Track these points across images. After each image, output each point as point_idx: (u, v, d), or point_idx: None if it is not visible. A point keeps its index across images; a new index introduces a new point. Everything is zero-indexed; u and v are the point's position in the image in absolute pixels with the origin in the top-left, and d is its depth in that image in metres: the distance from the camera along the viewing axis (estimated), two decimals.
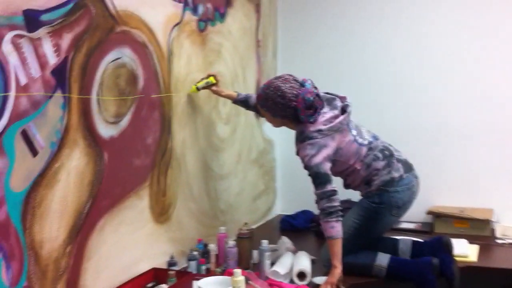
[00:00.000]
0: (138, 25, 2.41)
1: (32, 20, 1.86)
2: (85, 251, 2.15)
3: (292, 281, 2.56)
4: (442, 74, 3.59)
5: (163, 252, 2.61)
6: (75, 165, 2.08)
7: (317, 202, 2.54)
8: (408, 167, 2.72)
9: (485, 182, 3.52)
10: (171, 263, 2.55)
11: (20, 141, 1.84)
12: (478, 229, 3.30)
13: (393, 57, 3.70)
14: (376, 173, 2.62)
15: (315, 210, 3.44)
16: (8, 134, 1.78)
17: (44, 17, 1.92)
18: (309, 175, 2.54)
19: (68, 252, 2.06)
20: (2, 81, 1.75)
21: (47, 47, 1.93)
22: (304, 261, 2.66)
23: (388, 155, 2.67)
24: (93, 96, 2.17)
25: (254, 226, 3.57)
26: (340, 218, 2.50)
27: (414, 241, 2.81)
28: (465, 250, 2.92)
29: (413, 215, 3.45)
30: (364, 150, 2.63)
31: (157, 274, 2.47)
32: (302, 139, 2.54)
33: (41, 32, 1.90)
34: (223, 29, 3.16)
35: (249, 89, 3.51)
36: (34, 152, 1.89)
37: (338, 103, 2.64)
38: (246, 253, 2.78)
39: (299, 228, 3.49)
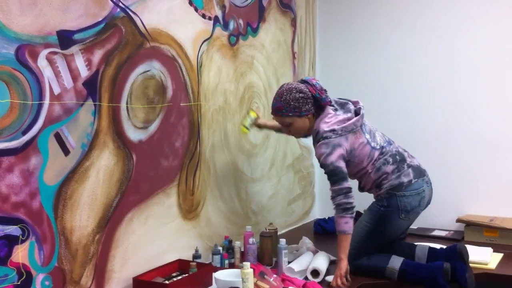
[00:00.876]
0: (167, 41, 2.70)
1: (65, 39, 2.18)
2: (113, 240, 2.45)
3: (306, 278, 2.73)
4: (476, 84, 3.63)
5: (190, 245, 2.87)
6: (104, 164, 2.39)
7: (333, 197, 2.69)
8: (419, 173, 2.81)
9: None
10: (196, 256, 2.81)
11: (54, 142, 2.16)
12: (507, 238, 3.31)
13: (427, 67, 3.78)
14: (385, 177, 2.75)
15: None
16: (42, 136, 2.11)
17: (77, 36, 2.24)
18: (325, 173, 2.71)
19: (97, 239, 2.37)
20: (37, 92, 2.08)
21: (79, 62, 2.25)
22: (320, 260, 2.83)
23: (399, 160, 2.79)
24: (123, 104, 2.47)
25: (289, 229, 3.77)
26: (354, 215, 2.67)
27: (430, 247, 2.89)
28: (485, 258, 2.96)
29: (445, 223, 3.55)
30: (376, 153, 2.77)
31: (181, 265, 2.73)
32: (317, 140, 2.73)
33: (74, 49, 2.23)
34: (255, 42, 3.40)
35: None
36: (66, 151, 2.21)
37: (351, 107, 2.81)
38: (268, 250, 2.98)
39: (331, 232, 3.63)
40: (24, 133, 2.04)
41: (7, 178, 1.98)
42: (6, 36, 1.95)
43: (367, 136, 2.78)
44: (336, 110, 2.80)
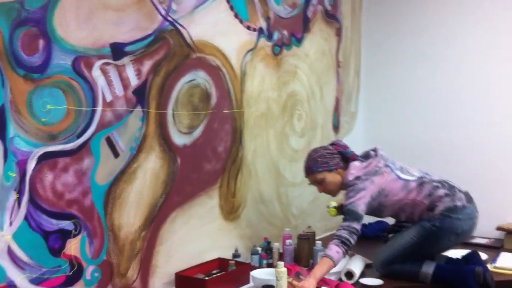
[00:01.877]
0: (212, 51, 2.87)
1: (117, 51, 2.38)
2: (157, 237, 2.63)
3: (341, 280, 2.83)
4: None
5: (231, 245, 3.02)
6: (151, 166, 2.58)
7: (338, 230, 2.75)
8: (469, 198, 2.87)
9: None
10: (235, 255, 2.96)
11: (105, 145, 2.36)
12: None
13: (469, 77, 3.80)
14: (439, 200, 2.79)
15: (390, 221, 3.71)
16: (94, 140, 2.31)
17: (128, 48, 2.44)
18: (343, 212, 2.84)
19: (143, 236, 2.56)
20: (91, 99, 2.29)
21: (130, 72, 2.45)
22: (354, 263, 2.93)
23: (448, 186, 2.84)
24: (169, 111, 2.65)
25: (329, 233, 3.87)
26: (346, 253, 2.70)
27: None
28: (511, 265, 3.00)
29: (485, 231, 3.55)
30: (413, 184, 2.83)
31: (221, 263, 2.89)
32: (345, 189, 2.89)
33: (125, 60, 2.42)
34: (299, 52, 3.52)
35: (328, 105, 3.85)
36: (116, 154, 2.41)
37: (372, 153, 2.95)
38: (305, 252, 3.10)
39: (370, 236, 3.71)
40: (79, 136, 2.25)
41: (62, 177, 2.20)
42: (63, 49, 2.16)
43: (397, 172, 2.87)
44: (362, 162, 2.92)
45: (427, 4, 3.97)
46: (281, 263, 2.55)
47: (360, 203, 2.78)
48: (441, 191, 2.81)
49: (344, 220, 2.78)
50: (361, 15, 4.23)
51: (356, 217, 2.75)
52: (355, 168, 2.89)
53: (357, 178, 2.83)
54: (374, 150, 2.97)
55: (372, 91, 4.25)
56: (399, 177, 2.86)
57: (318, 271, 2.62)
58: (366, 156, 2.96)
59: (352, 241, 2.70)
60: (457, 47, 3.85)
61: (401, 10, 4.09)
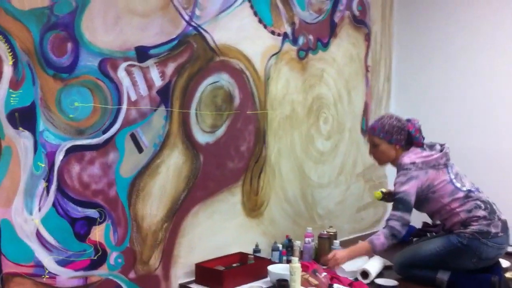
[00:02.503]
0: (236, 55, 3.02)
1: (142, 53, 2.57)
2: (179, 229, 2.80)
3: (356, 279, 2.91)
4: None
5: (253, 241, 3.14)
6: (174, 162, 2.75)
7: (389, 220, 2.83)
8: (505, 228, 2.83)
9: None
10: (256, 250, 3.08)
11: (129, 141, 2.55)
12: None
13: (502, 84, 3.78)
14: (476, 220, 2.77)
15: (418, 225, 3.75)
16: (119, 136, 2.50)
17: (153, 51, 2.62)
18: (394, 199, 2.86)
19: (165, 227, 2.73)
20: (116, 98, 2.48)
21: (154, 73, 2.63)
22: (372, 263, 2.99)
23: (490, 209, 2.81)
24: (192, 111, 2.82)
25: (357, 235, 3.93)
26: (392, 244, 2.81)
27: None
28: None
29: None
30: (460, 194, 2.81)
31: (242, 258, 3.02)
32: (398, 170, 2.91)
33: (150, 62, 2.61)
34: (326, 56, 3.62)
35: (356, 109, 3.93)
36: (140, 149, 2.60)
37: (438, 147, 2.93)
38: (325, 251, 3.19)
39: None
40: (104, 132, 2.45)
41: (89, 169, 2.39)
42: (91, 51, 2.37)
43: (451, 176, 2.85)
44: (424, 150, 2.91)
45: (459, 10, 3.98)
46: (296, 259, 2.66)
47: (413, 192, 2.79)
48: (481, 212, 2.77)
49: (396, 209, 2.81)
50: (392, 21, 4.28)
51: (409, 208, 2.80)
52: (416, 153, 2.89)
53: (413, 163, 2.83)
54: (442, 145, 2.94)
55: (403, 96, 4.29)
56: (452, 182, 2.84)
57: (355, 251, 2.83)
58: (431, 147, 2.95)
59: (403, 234, 2.79)
60: (489, 54, 3.83)
61: (433, 16, 4.11)
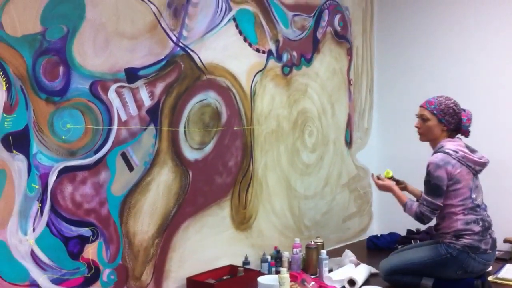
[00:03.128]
0: (222, 73, 3.11)
1: (131, 75, 2.65)
2: (170, 244, 2.86)
3: (343, 287, 3.00)
4: None
5: (242, 253, 3.21)
6: (164, 179, 2.82)
7: (421, 203, 2.89)
8: (494, 246, 2.94)
9: None
10: (245, 263, 3.16)
11: (120, 160, 2.62)
12: None
13: (480, 93, 3.90)
14: (469, 234, 2.84)
15: (403, 232, 3.85)
16: (111, 155, 2.57)
17: (142, 72, 2.70)
18: (427, 181, 2.88)
19: (156, 243, 2.79)
20: (107, 118, 2.55)
21: (143, 94, 2.71)
22: (358, 271, 3.09)
23: (486, 226, 2.89)
24: (181, 129, 2.89)
25: (343, 244, 4.03)
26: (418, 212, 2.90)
27: None
28: None
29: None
30: (470, 204, 2.87)
31: (232, 270, 3.09)
32: (438, 150, 2.93)
33: (139, 83, 2.69)
34: (309, 71, 3.73)
35: (340, 122, 4.04)
36: (130, 168, 2.67)
37: (480, 154, 2.97)
38: (313, 261, 3.28)
39: (382, 248, 3.85)
40: (96, 152, 2.51)
41: (81, 189, 2.46)
42: (81, 74, 2.44)
43: (473, 185, 2.91)
44: (468, 147, 2.96)
45: (438, 23, 4.12)
46: (284, 270, 2.74)
47: (446, 178, 2.83)
48: (477, 228, 2.84)
49: (428, 193, 2.86)
50: (372, 35, 4.40)
51: (441, 193, 2.84)
52: (461, 145, 2.92)
53: (456, 152, 2.86)
54: (482, 157, 2.96)
55: (385, 108, 4.41)
56: (471, 190, 2.88)
57: (396, 193, 3.06)
58: (472, 151, 2.98)
59: (431, 219, 2.88)
60: (468, 65, 3.97)
61: (412, 29, 4.24)
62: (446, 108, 2.94)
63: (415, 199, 3.12)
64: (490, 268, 3.26)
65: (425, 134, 3.04)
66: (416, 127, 3.08)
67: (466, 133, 2.99)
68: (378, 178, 3.21)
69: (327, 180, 3.94)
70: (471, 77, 3.95)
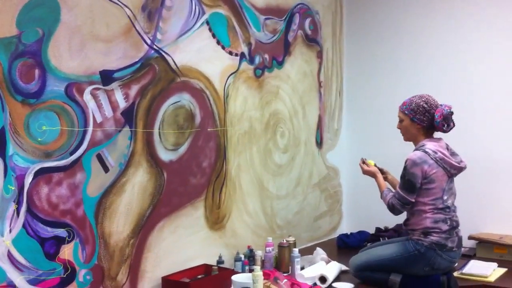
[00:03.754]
0: (196, 75, 3.16)
1: (106, 77, 2.68)
2: (146, 244, 2.90)
3: (314, 284, 3.08)
4: (489, 114, 3.92)
5: (216, 253, 3.27)
6: (139, 180, 2.86)
7: (393, 196, 3.01)
8: (460, 244, 3.04)
9: None
10: (219, 262, 3.22)
11: (96, 161, 2.65)
12: None
13: (447, 95, 4.03)
14: (437, 232, 2.94)
15: (372, 231, 3.95)
16: (86, 157, 2.60)
17: (116, 75, 2.73)
18: (402, 176, 2.98)
19: (132, 243, 2.83)
20: (83, 120, 2.58)
21: (118, 96, 2.74)
22: (329, 268, 3.18)
23: (453, 226, 2.99)
24: (155, 130, 2.94)
25: (315, 242, 4.12)
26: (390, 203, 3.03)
27: None
28: (486, 272, 3.21)
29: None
30: (440, 205, 2.96)
31: (207, 269, 3.14)
32: (418, 148, 3.01)
33: (114, 85, 2.72)
34: (281, 74, 3.81)
35: (311, 123, 4.13)
36: (106, 169, 2.70)
37: (459, 158, 3.06)
38: (285, 259, 3.36)
39: (352, 246, 3.95)
40: (71, 154, 2.54)
41: (56, 190, 2.48)
42: (57, 76, 2.46)
43: (447, 188, 2.99)
44: (446, 149, 3.04)
45: (406, 25, 4.25)
46: (257, 268, 2.82)
47: (420, 175, 2.91)
48: (444, 227, 2.94)
49: (402, 188, 2.96)
50: (342, 38, 4.51)
51: (413, 190, 2.93)
52: (441, 147, 2.99)
53: (435, 152, 2.93)
54: (461, 162, 3.04)
55: (355, 109, 4.52)
56: (443, 191, 2.97)
57: (377, 179, 3.19)
58: (452, 154, 3.06)
59: (401, 212, 3.01)
60: (436, 65, 4.12)
61: (382, 33, 4.37)
62: (416, 106, 3.02)
63: (393, 189, 3.20)
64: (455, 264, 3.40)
65: (404, 134, 3.14)
66: (397, 128, 3.17)
67: (440, 129, 3.01)
68: (364, 162, 3.30)
69: (298, 180, 4.02)
70: (439, 77, 4.09)
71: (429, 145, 2.98)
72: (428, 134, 3.05)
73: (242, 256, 3.30)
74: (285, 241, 3.42)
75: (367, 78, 4.45)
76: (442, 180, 2.96)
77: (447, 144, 3.08)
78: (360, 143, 4.48)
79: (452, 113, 2.99)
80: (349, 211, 4.56)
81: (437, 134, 3.08)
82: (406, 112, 3.05)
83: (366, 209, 4.38)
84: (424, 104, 3.01)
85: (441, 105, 3.02)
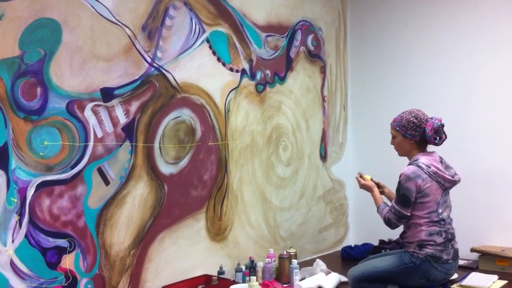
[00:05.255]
0: (197, 91, 3.27)
1: (107, 94, 2.81)
2: (146, 255, 3.00)
3: None
4: (489, 126, 3.94)
5: (218, 263, 3.36)
6: (139, 192, 2.97)
7: (389, 211, 3.04)
8: (456, 256, 3.06)
9: None
10: (220, 272, 3.30)
11: (96, 175, 2.77)
12: None
13: (447, 109, 4.08)
14: (432, 245, 2.96)
15: (376, 243, 3.99)
16: (87, 170, 2.73)
17: (117, 92, 2.86)
18: (397, 191, 3.02)
19: (132, 254, 2.93)
20: (84, 135, 2.71)
21: (119, 112, 2.87)
22: (328, 279, 3.23)
23: (449, 239, 3.01)
24: (156, 144, 3.05)
25: (320, 254, 4.17)
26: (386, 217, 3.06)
27: None
28: (485, 284, 3.23)
29: (465, 253, 3.77)
30: (435, 218, 2.98)
31: (207, 279, 3.23)
32: (411, 163, 3.05)
33: (114, 101, 2.85)
34: (283, 89, 3.90)
35: (314, 137, 4.20)
36: (106, 182, 2.82)
37: (453, 171, 3.09)
38: (285, 270, 3.42)
39: (356, 258, 3.99)
40: (73, 167, 2.67)
41: (58, 202, 2.61)
42: (58, 94, 2.60)
43: (441, 201, 3.02)
44: (440, 162, 3.08)
45: (410, 40, 4.31)
46: (254, 278, 2.91)
47: (415, 190, 2.94)
48: (439, 239, 2.96)
49: (397, 202, 3.00)
50: (346, 53, 4.59)
51: (408, 204, 2.96)
52: (435, 160, 3.01)
53: (428, 166, 2.97)
54: (455, 175, 3.07)
55: (360, 122, 4.58)
56: (438, 204, 3.00)
57: (373, 194, 3.22)
58: (446, 167, 3.09)
59: (397, 226, 3.03)
60: (438, 80, 4.16)
61: (386, 48, 4.43)
62: (407, 122, 3.06)
63: (390, 203, 3.23)
64: (456, 276, 3.42)
65: (397, 150, 3.19)
66: (391, 144, 3.22)
67: (432, 143, 3.04)
68: (361, 177, 3.35)
69: (302, 192, 4.09)
70: (442, 91, 4.13)
71: (423, 159, 3.01)
72: (422, 148, 3.09)
73: (243, 267, 3.37)
74: (285, 253, 3.48)
75: (371, 92, 4.51)
76: (437, 193, 2.99)
77: (441, 157, 3.11)
78: (366, 156, 4.53)
79: (442, 125, 3.03)
80: (356, 223, 4.60)
81: (430, 147, 3.12)
82: (397, 128, 3.10)
83: (372, 222, 4.37)
84: (414, 120, 3.05)
85: (431, 118, 3.05)
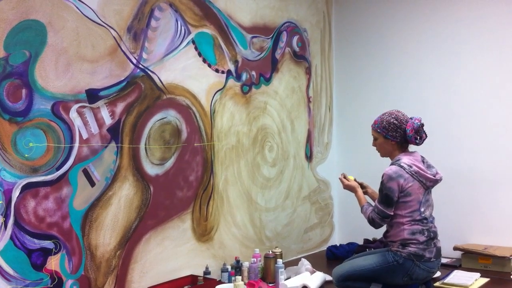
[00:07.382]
0: (182, 92, 3.29)
1: (92, 95, 2.81)
2: (132, 256, 3.01)
3: None
4: (474, 126, 3.99)
5: (204, 264, 3.38)
6: (125, 193, 2.98)
7: (372, 210, 3.08)
8: (438, 254, 3.10)
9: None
10: (206, 272, 3.31)
11: (82, 176, 2.77)
12: (500, 265, 3.59)
13: (431, 108, 4.13)
14: (415, 243, 3.01)
15: (361, 242, 4.03)
16: (72, 171, 2.73)
17: (102, 93, 2.87)
18: (380, 191, 3.06)
19: (118, 255, 2.94)
20: (69, 137, 2.71)
21: (104, 113, 2.88)
22: (312, 279, 3.26)
23: (431, 237, 3.06)
24: (141, 145, 3.06)
25: (305, 254, 4.20)
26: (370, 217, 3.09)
27: None
28: (467, 282, 3.28)
29: (448, 251, 3.82)
30: (417, 217, 3.03)
31: (193, 280, 3.24)
32: (393, 163, 3.09)
33: (100, 103, 2.85)
34: (268, 90, 3.93)
35: (300, 137, 4.23)
36: (92, 183, 2.82)
37: (434, 170, 3.13)
38: (271, 270, 3.44)
39: (341, 257, 4.02)
40: (58, 169, 2.67)
41: (43, 203, 2.61)
42: (44, 96, 2.60)
43: (423, 200, 3.07)
44: (422, 161, 3.12)
45: (394, 41, 4.36)
46: (239, 278, 2.92)
47: (395, 190, 2.98)
48: (422, 238, 3.01)
49: (380, 202, 3.03)
50: (331, 54, 4.63)
51: (391, 204, 3.00)
52: (417, 160, 3.05)
53: (410, 166, 3.00)
54: (436, 174, 3.11)
55: (345, 123, 4.62)
56: (420, 203, 3.04)
57: (357, 194, 3.27)
58: (428, 166, 3.13)
59: (381, 225, 3.07)
60: (421, 82, 4.22)
61: (370, 49, 4.48)
62: (387, 124, 3.11)
63: (373, 203, 3.27)
64: (438, 274, 3.47)
65: (379, 151, 3.23)
66: (373, 146, 3.26)
67: (413, 143, 3.08)
68: (345, 177, 3.38)
69: (288, 193, 4.12)
70: (425, 92, 4.19)
71: (404, 159, 3.05)
72: (403, 148, 3.13)
73: (229, 267, 3.39)
74: (271, 252, 3.51)
75: (356, 93, 4.56)
76: (419, 192, 3.03)
77: (422, 157, 3.15)
78: (351, 156, 4.58)
79: (422, 125, 3.07)
80: (341, 223, 4.64)
81: (412, 147, 3.16)
82: (378, 130, 3.14)
83: (357, 221, 4.40)
84: (395, 121, 3.09)
85: (411, 118, 3.10)
